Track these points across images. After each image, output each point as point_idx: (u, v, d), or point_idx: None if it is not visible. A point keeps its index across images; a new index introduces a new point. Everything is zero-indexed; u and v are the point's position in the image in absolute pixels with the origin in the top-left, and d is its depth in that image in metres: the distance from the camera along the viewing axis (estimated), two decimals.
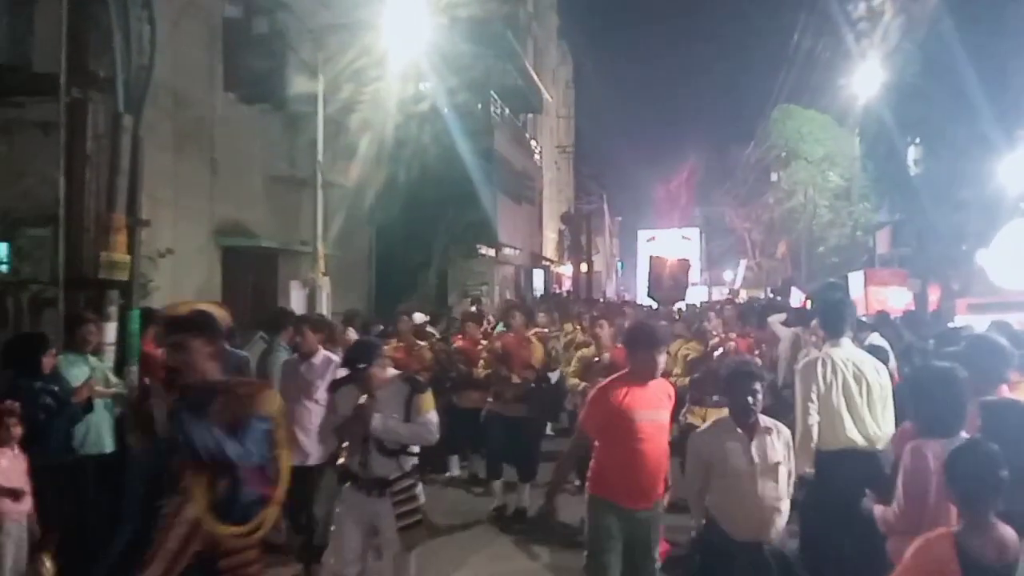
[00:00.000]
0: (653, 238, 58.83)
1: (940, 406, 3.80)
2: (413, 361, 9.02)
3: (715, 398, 7.47)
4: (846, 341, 5.43)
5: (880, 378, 5.31)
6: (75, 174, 7.20)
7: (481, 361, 9.18)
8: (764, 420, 4.69)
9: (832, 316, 5.55)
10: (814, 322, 7.78)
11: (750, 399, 4.57)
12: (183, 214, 11.89)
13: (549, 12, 41.71)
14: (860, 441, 5.16)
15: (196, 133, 12.29)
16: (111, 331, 7.27)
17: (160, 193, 11.26)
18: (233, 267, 13.28)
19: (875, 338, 8.58)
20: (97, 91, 7.30)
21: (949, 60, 13.04)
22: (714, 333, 8.65)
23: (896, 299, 13.62)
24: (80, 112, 7.22)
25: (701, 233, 60.27)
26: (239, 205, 13.36)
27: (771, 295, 30.09)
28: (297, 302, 12.33)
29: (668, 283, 15.36)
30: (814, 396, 5.20)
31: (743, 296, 37.99)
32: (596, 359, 8.04)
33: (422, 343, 9.80)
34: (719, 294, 45.60)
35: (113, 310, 7.27)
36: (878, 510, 3.99)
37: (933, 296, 13.91)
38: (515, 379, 8.36)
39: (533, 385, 8.52)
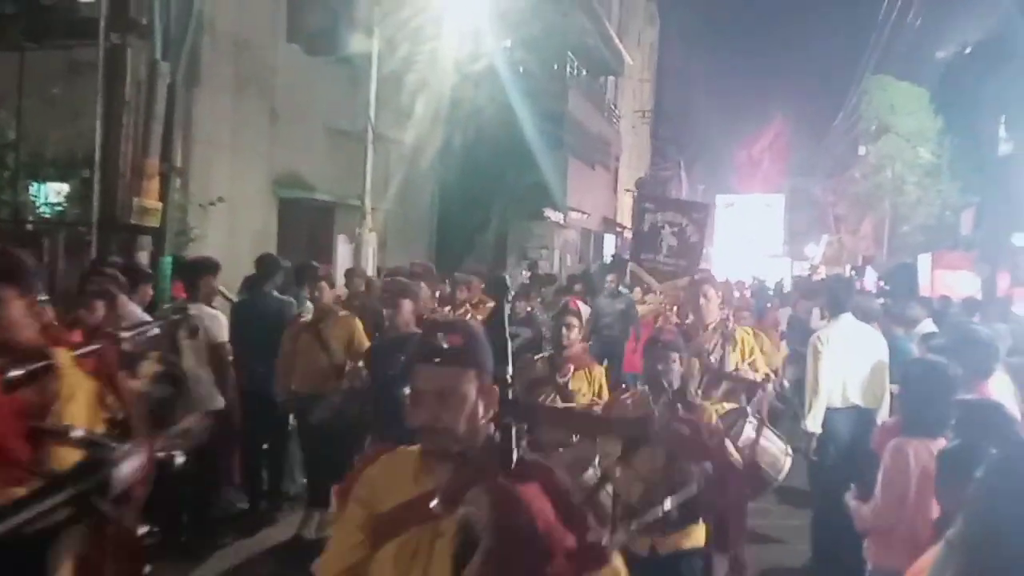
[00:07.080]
0: (732, 204, 56.52)
1: (926, 404, 3.54)
2: None
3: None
4: (845, 317, 6.28)
5: (874, 348, 6.16)
6: (113, 119, 7.31)
7: None
8: None
9: (832, 298, 6.55)
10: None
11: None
12: (241, 160, 11.88)
13: None
14: (859, 401, 6.08)
15: (257, 79, 12.19)
16: None
17: (218, 137, 11.34)
18: (289, 218, 13.19)
19: (928, 324, 8.21)
20: (137, 37, 7.36)
21: None
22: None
23: (962, 284, 12.91)
24: (119, 57, 7.29)
25: (785, 201, 57.05)
26: (298, 156, 13.25)
27: (852, 273, 29.23)
28: (343, 256, 12.34)
29: (670, 243, 9.55)
30: (821, 365, 6.07)
31: (822, 272, 36.90)
32: None
33: None
34: (800, 269, 44.32)
35: (143, 256, 7.39)
36: (855, 505, 3.76)
37: (1003, 283, 13.16)
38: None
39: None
